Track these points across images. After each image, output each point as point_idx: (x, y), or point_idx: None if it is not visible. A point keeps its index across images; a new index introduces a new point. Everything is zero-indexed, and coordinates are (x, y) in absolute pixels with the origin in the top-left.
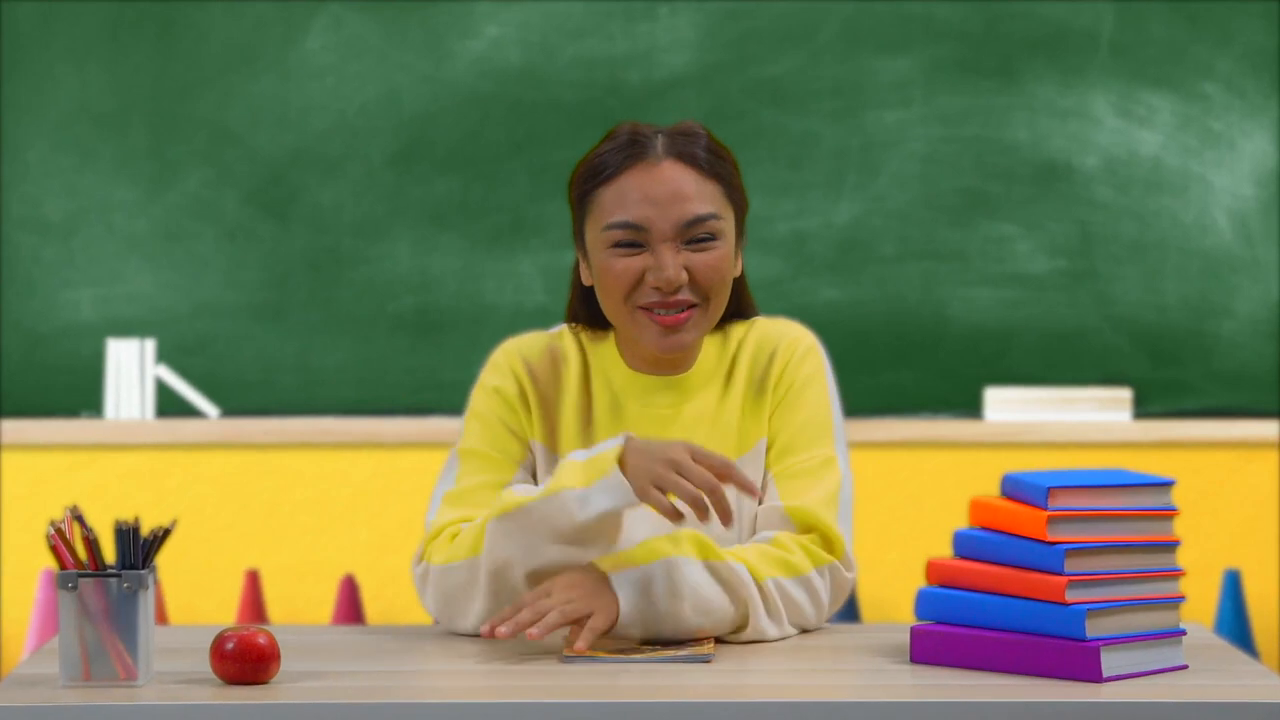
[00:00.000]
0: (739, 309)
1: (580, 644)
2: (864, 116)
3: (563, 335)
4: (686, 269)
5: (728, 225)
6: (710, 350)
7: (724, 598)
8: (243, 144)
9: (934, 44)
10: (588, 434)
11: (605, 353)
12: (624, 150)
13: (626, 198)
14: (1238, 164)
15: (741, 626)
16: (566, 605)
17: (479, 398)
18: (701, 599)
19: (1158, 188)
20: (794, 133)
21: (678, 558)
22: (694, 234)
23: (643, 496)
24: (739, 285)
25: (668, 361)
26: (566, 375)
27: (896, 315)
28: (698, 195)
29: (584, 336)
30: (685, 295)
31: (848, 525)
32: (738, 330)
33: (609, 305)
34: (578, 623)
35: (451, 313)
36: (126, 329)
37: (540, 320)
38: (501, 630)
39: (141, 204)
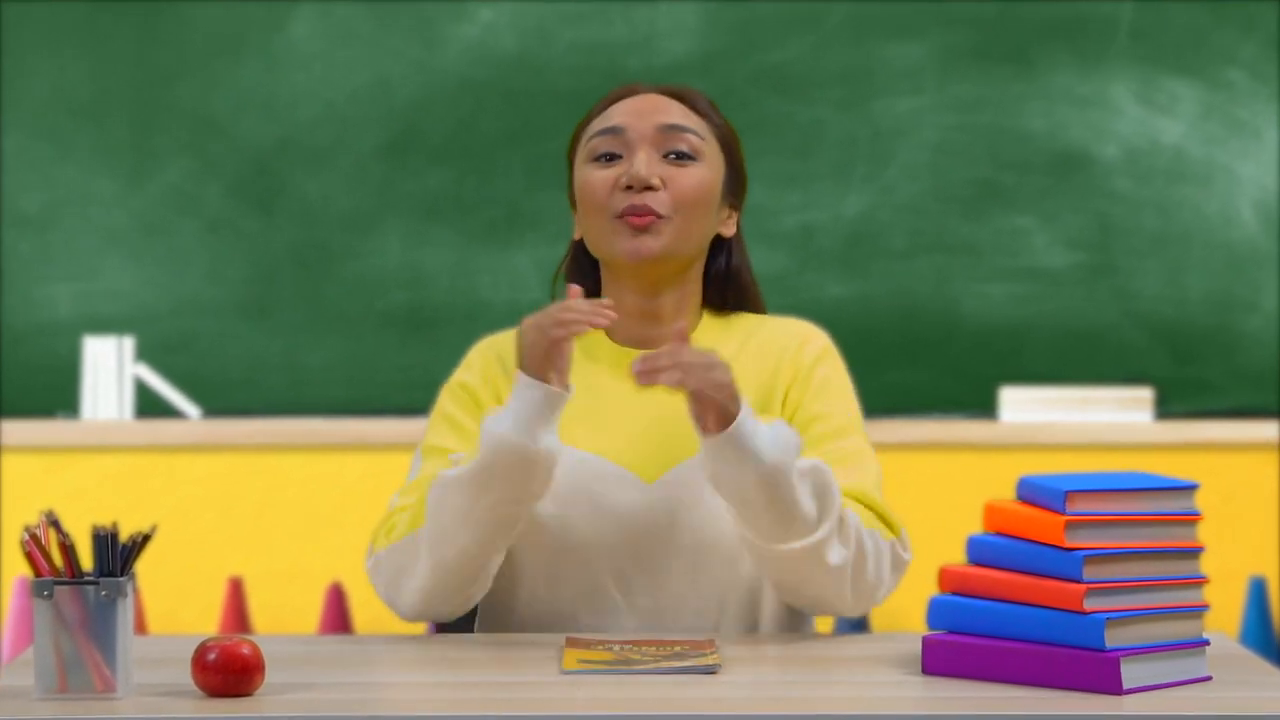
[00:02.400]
0: (742, 301)
1: (673, 347)
2: (873, 105)
3: None
4: (662, 179)
5: (710, 150)
6: (709, 328)
7: (811, 498)
8: (227, 134)
9: (946, 29)
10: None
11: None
12: (618, 93)
13: (611, 115)
14: (1263, 153)
15: (806, 533)
16: (694, 363)
17: (445, 395)
18: (799, 471)
19: (1180, 178)
20: (800, 122)
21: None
22: (673, 145)
23: (552, 345)
24: (742, 276)
25: (653, 335)
26: None
27: (907, 311)
28: (683, 115)
29: None
30: (655, 204)
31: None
32: (743, 322)
33: (590, 225)
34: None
35: (444, 309)
36: (104, 326)
37: None
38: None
39: (121, 196)
